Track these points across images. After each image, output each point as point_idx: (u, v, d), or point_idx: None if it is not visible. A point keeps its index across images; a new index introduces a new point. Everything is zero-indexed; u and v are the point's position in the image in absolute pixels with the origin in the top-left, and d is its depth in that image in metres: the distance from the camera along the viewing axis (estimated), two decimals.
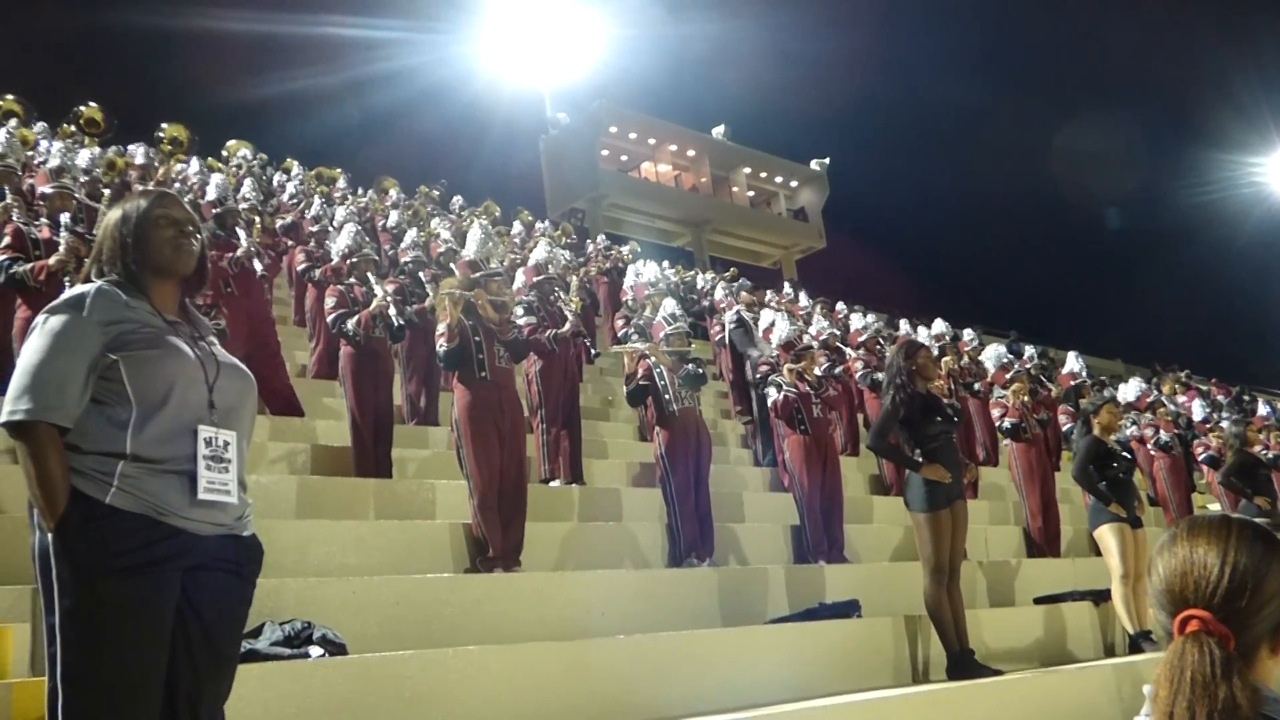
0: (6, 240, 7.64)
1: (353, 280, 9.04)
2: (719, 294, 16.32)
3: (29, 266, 7.44)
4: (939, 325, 16.56)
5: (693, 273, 22.02)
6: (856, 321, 16.33)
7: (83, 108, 18.55)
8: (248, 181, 15.26)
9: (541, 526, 7.27)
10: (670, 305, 9.69)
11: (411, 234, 13.34)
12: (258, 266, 9.62)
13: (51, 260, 7.41)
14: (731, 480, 9.99)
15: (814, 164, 41.51)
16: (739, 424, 12.66)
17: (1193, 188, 44.65)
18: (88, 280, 2.89)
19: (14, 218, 8.03)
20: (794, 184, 41.78)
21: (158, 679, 2.60)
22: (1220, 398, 21.40)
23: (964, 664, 6.38)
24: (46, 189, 8.80)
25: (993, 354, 14.14)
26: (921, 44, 68.22)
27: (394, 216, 16.30)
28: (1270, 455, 11.72)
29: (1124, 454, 8.42)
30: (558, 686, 4.99)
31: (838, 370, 11.79)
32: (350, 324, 8.37)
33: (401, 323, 8.57)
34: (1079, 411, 10.24)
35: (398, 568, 6.24)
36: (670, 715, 5.17)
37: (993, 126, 54.21)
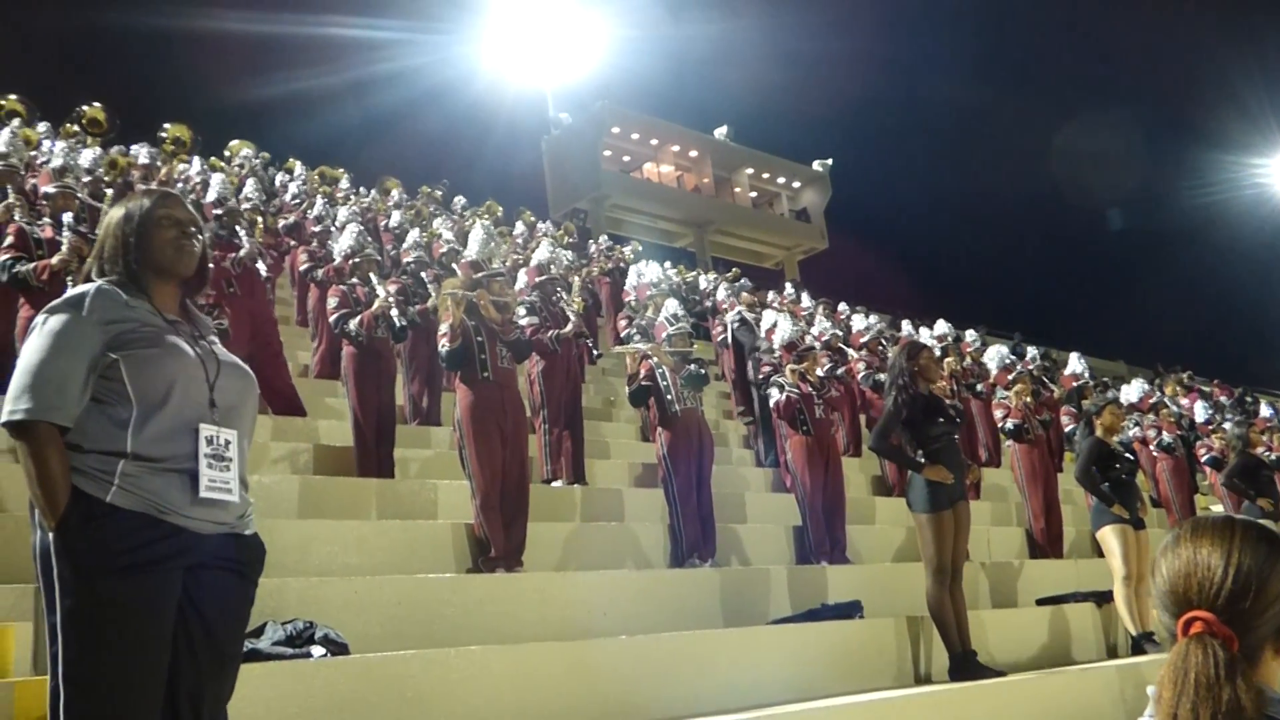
0: (9, 240, 7.65)
1: (355, 280, 9.04)
2: (721, 295, 16.32)
3: (31, 266, 7.45)
4: (941, 326, 16.57)
5: (695, 273, 22.01)
6: (859, 322, 16.33)
7: (86, 108, 18.53)
8: (250, 181, 15.27)
9: (543, 527, 7.26)
10: (672, 306, 9.69)
11: (414, 234, 13.35)
12: (262, 268, 9.63)
13: (54, 260, 7.42)
14: (733, 481, 9.99)
15: (816, 165, 41.47)
16: (741, 424, 12.66)
17: (1195, 189, 44.65)
18: (89, 279, 2.89)
19: (17, 217, 8.03)
20: (796, 185, 41.73)
21: (159, 678, 2.60)
22: (1223, 399, 21.39)
23: (966, 665, 6.37)
24: (49, 189, 8.81)
25: (995, 355, 14.15)
26: (924, 45, 68.25)
27: (396, 217, 16.31)
28: (1273, 457, 11.69)
29: (1127, 455, 8.42)
30: (560, 687, 4.99)
31: (840, 371, 11.78)
32: (353, 324, 8.36)
33: (404, 323, 8.57)
34: (1081, 413, 10.25)
35: (400, 568, 6.24)
36: (672, 716, 5.17)
37: (995, 127, 54.21)
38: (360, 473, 7.92)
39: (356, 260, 9.29)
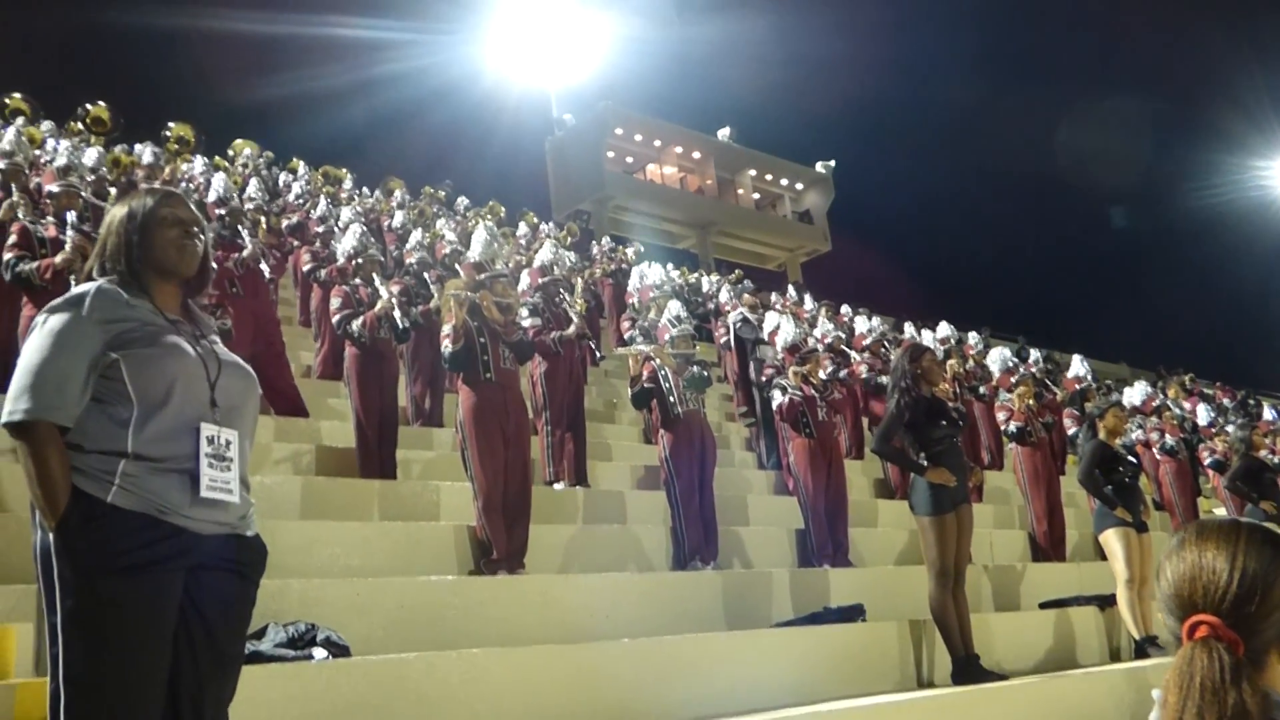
0: (13, 238, 7.65)
1: (358, 281, 9.04)
2: (724, 296, 16.32)
3: (35, 265, 7.45)
4: (944, 328, 16.57)
5: (697, 274, 22.02)
6: (861, 325, 16.33)
7: (90, 106, 18.55)
8: (253, 181, 15.28)
9: (546, 529, 7.26)
10: (675, 307, 9.68)
11: (416, 235, 13.35)
12: (265, 269, 9.63)
13: (57, 259, 7.41)
14: (736, 483, 9.99)
15: (819, 166, 41.52)
16: (743, 427, 12.65)
17: (1199, 191, 44.62)
18: (90, 277, 2.89)
19: (20, 216, 8.03)
20: (799, 186, 41.77)
21: (160, 678, 2.59)
22: (1225, 401, 21.37)
23: (969, 669, 6.36)
24: (53, 187, 8.80)
25: (998, 358, 14.14)
26: (927, 46, 68.26)
27: (399, 217, 16.32)
28: (1276, 460, 11.67)
29: (1129, 458, 8.41)
30: (561, 689, 4.98)
31: (842, 374, 11.77)
32: (355, 325, 8.36)
33: (406, 324, 8.57)
34: (1084, 415, 10.23)
35: (402, 569, 6.23)
36: (674, 718, 5.16)
37: (998, 129, 54.13)
38: (362, 474, 7.92)
39: (359, 261, 9.30)
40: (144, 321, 2.77)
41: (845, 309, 19.34)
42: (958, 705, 5.92)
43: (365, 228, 10.49)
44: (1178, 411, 15.70)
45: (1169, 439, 13.40)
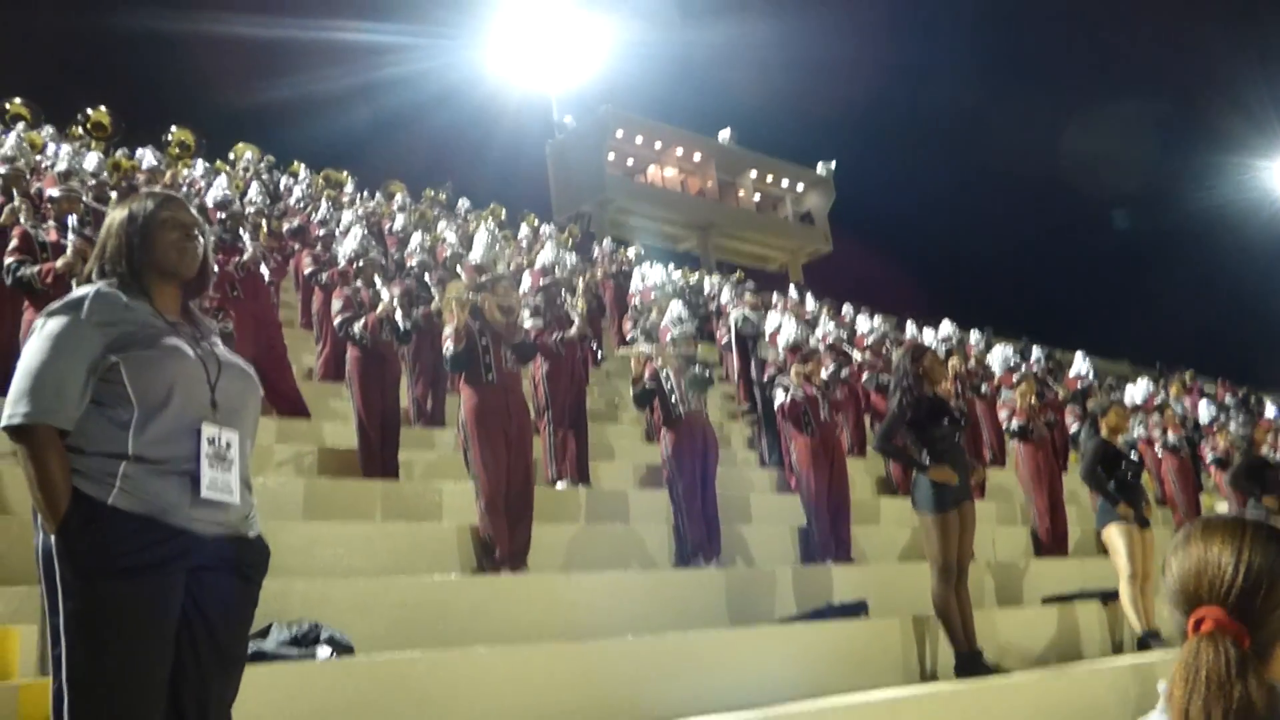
0: (14, 243, 7.65)
1: (359, 283, 9.05)
2: (725, 297, 16.32)
3: (36, 269, 7.45)
4: (946, 327, 16.56)
5: (697, 274, 22.02)
6: (863, 324, 16.33)
7: (90, 111, 18.55)
8: (254, 185, 15.29)
9: (548, 528, 7.27)
10: (677, 308, 9.70)
11: (417, 237, 13.35)
12: (265, 272, 9.63)
13: (59, 263, 7.41)
14: (738, 482, 9.99)
15: (820, 168, 41.49)
16: (745, 425, 12.65)
17: (1199, 191, 44.56)
18: (90, 280, 2.89)
19: (22, 220, 8.04)
20: (800, 187, 41.75)
21: (162, 679, 2.59)
22: (1226, 399, 21.37)
23: (972, 664, 6.37)
24: (54, 192, 8.81)
25: (999, 356, 14.14)
26: (927, 47, 68.28)
27: (400, 220, 16.31)
28: (1278, 456, 11.69)
29: (1131, 456, 8.41)
30: (565, 687, 4.98)
31: (844, 374, 11.77)
32: (357, 327, 8.37)
33: (407, 326, 8.58)
34: (1086, 413, 10.24)
35: (405, 569, 6.24)
36: (678, 716, 5.15)
37: (998, 129, 54.18)
38: (365, 475, 7.94)
39: (361, 263, 9.30)
40: (143, 324, 2.77)
41: (847, 308, 19.33)
42: (961, 700, 5.91)
43: (366, 230, 10.49)
44: (1179, 409, 15.71)
45: (1171, 436, 13.40)
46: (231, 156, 20.20)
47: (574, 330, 9.24)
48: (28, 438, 2.58)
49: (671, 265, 20.18)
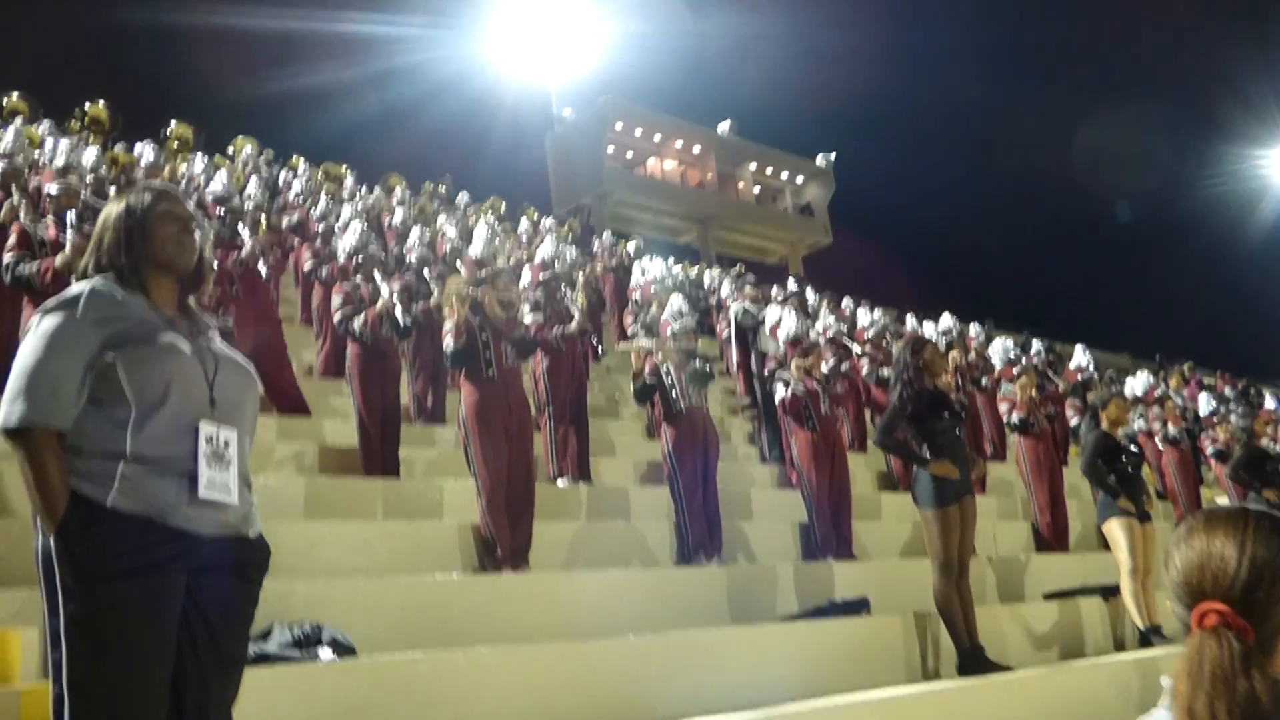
0: (12, 240, 7.62)
1: (359, 279, 9.04)
2: (725, 290, 16.31)
3: (35, 266, 7.42)
4: (946, 320, 16.55)
5: (697, 267, 22.01)
6: (863, 317, 16.31)
7: (88, 105, 18.52)
8: (253, 179, 15.25)
9: (549, 525, 7.26)
10: (677, 302, 9.69)
11: (416, 231, 13.33)
12: (263, 268, 9.61)
13: (57, 260, 7.38)
14: (739, 478, 9.98)
15: (820, 159, 41.49)
16: (745, 420, 12.64)
17: (1200, 181, 44.61)
18: (86, 273, 2.88)
19: (20, 217, 8.01)
20: (800, 179, 41.76)
21: (163, 681, 2.59)
22: (1226, 391, 21.36)
23: (974, 660, 6.36)
24: (52, 188, 8.77)
25: (999, 349, 14.13)
26: (928, 38, 68.16)
27: (400, 214, 16.29)
28: (1278, 449, 11.68)
29: (1132, 448, 8.40)
30: (567, 686, 4.98)
31: (844, 367, 11.76)
32: (357, 323, 8.36)
33: (407, 321, 8.56)
34: (1087, 406, 10.23)
35: (406, 568, 6.23)
36: (680, 714, 5.15)
37: (998, 121, 54.15)
38: (366, 472, 7.93)
39: (360, 258, 9.28)
40: (139, 320, 2.76)
41: (846, 301, 19.32)
42: (964, 697, 5.92)
43: (366, 225, 10.48)
44: (1179, 401, 15.71)
45: (1171, 428, 13.39)
46: (231, 150, 20.17)
47: (574, 325, 9.23)
48: (24, 439, 2.57)
49: (671, 259, 20.16)
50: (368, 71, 41.25)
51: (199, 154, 18.00)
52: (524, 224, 19.93)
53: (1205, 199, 44.63)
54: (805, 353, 9.57)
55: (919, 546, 8.36)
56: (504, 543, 6.65)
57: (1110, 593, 8.45)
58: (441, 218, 16.92)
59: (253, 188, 14.19)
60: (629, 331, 11.27)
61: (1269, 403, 17.33)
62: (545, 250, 11.34)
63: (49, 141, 14.67)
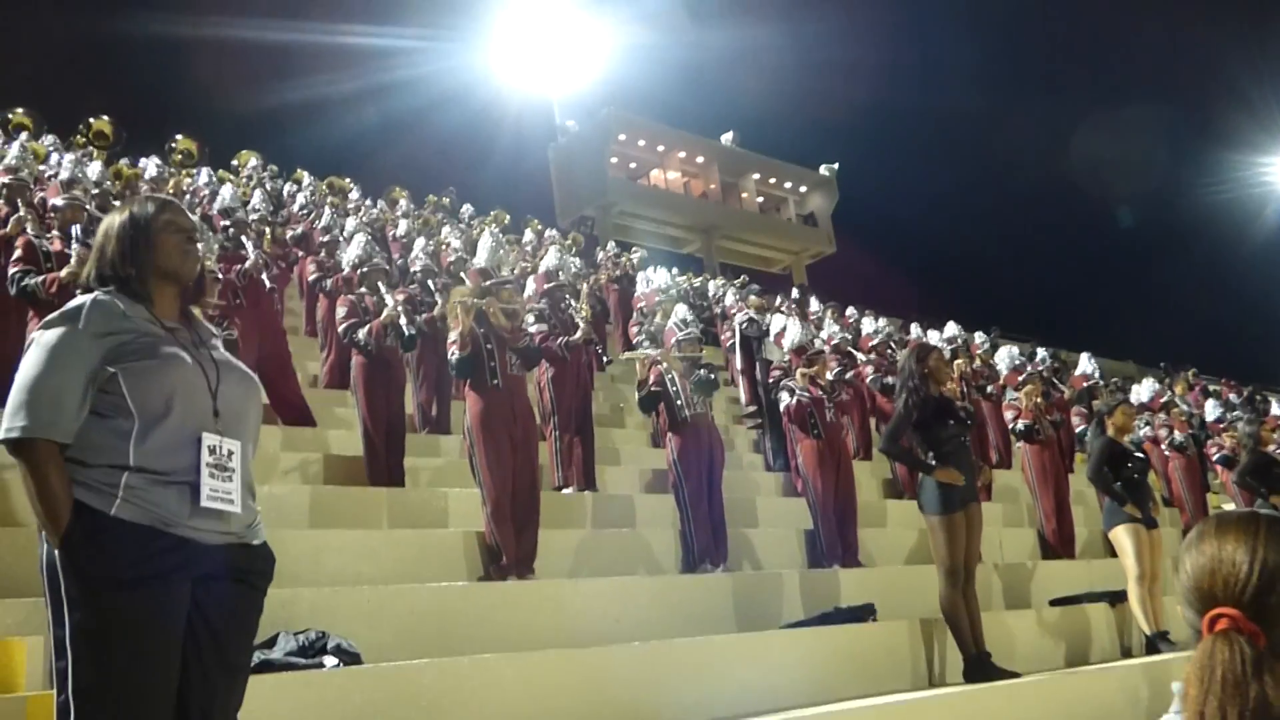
0: (18, 253, 7.64)
1: (364, 290, 9.05)
2: (729, 300, 16.31)
3: (40, 279, 7.44)
4: (951, 328, 16.54)
5: (701, 278, 22.01)
6: (868, 326, 16.30)
7: (92, 120, 18.58)
8: (257, 193, 15.28)
9: (555, 534, 7.26)
10: (682, 311, 9.68)
11: (420, 242, 13.36)
12: (266, 280, 9.62)
13: (63, 272, 7.39)
14: (744, 485, 9.98)
15: (823, 169, 41.50)
16: (749, 426, 12.63)
17: (1204, 188, 44.54)
18: (88, 284, 2.88)
19: (26, 230, 8.03)
20: (803, 189, 41.77)
21: (169, 690, 2.59)
22: (1231, 397, 21.32)
23: (980, 667, 6.35)
24: (57, 201, 8.81)
25: (1005, 356, 14.11)
26: (930, 48, 68.28)
27: (404, 225, 16.31)
28: None
29: (1138, 455, 8.39)
30: (573, 694, 4.98)
31: (849, 375, 11.75)
32: (361, 333, 8.37)
33: (412, 332, 8.57)
34: (1092, 413, 10.21)
35: (411, 576, 6.23)
36: None
37: (1002, 129, 54.10)
38: (371, 482, 7.92)
39: (365, 270, 9.30)
40: (141, 332, 2.76)
41: (851, 310, 19.31)
42: (970, 704, 5.91)
43: (370, 237, 10.48)
44: (1185, 407, 15.68)
45: (1178, 435, 13.37)
46: (235, 163, 20.23)
47: (579, 334, 9.22)
48: (26, 452, 2.57)
49: (675, 270, 20.17)
50: (371, 84, 41.26)
51: (204, 168, 18.05)
52: (528, 235, 19.94)
53: (1209, 205, 44.61)
54: (810, 361, 9.56)
55: (925, 553, 8.35)
56: (509, 551, 6.64)
57: (1117, 599, 8.43)
58: (446, 229, 16.95)
59: (256, 200, 14.23)
60: (634, 341, 11.26)
61: (1275, 408, 17.26)
62: (549, 261, 11.32)
63: (54, 156, 14.74)
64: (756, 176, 40.71)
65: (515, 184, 38.60)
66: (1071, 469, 11.99)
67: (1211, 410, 16.06)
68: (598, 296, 15.19)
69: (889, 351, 13.84)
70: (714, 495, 8.01)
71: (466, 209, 21.28)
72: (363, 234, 10.60)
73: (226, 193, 12.33)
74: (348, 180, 21.07)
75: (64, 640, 2.54)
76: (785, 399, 9.26)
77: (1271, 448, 11.20)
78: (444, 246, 14.54)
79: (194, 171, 17.63)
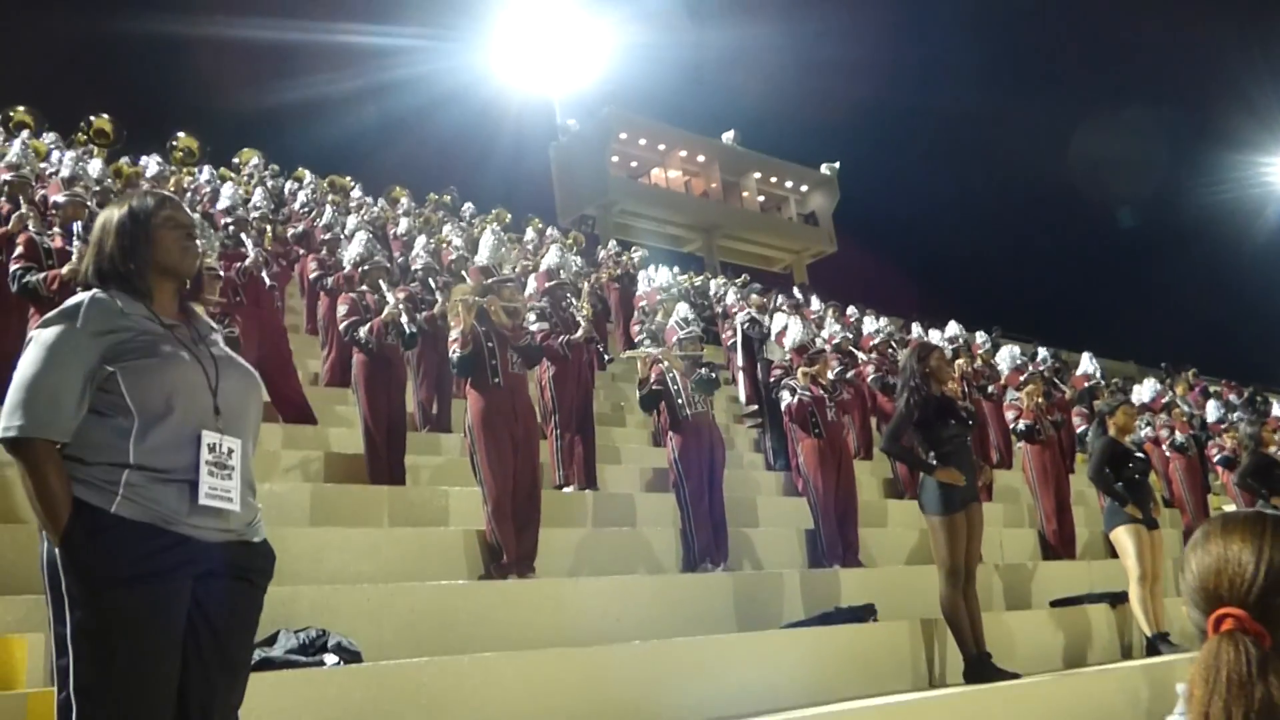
0: (20, 250, 7.63)
1: (365, 288, 9.05)
2: (730, 299, 16.30)
3: (42, 276, 7.43)
4: (952, 328, 16.53)
5: (703, 277, 22.00)
6: (869, 325, 16.29)
7: (93, 118, 18.58)
8: (258, 191, 15.28)
9: (555, 532, 7.26)
10: (683, 310, 9.68)
11: (421, 241, 13.35)
12: (266, 278, 9.62)
13: (64, 270, 7.39)
14: (745, 485, 9.98)
15: (824, 168, 41.48)
16: (750, 425, 12.62)
17: (1205, 188, 44.50)
18: (86, 280, 2.87)
19: (28, 227, 8.03)
20: (804, 188, 41.75)
21: (169, 688, 2.59)
22: (1232, 398, 21.31)
23: (981, 667, 6.35)
24: (59, 198, 8.81)
25: (1006, 356, 14.10)
26: (931, 48, 68.20)
27: (405, 224, 16.31)
28: None
29: (1139, 455, 8.38)
30: (573, 692, 4.98)
31: (850, 374, 11.75)
32: (363, 331, 8.37)
33: (413, 330, 8.57)
34: (1094, 413, 10.21)
35: (412, 575, 6.22)
36: None
37: (1003, 129, 54.03)
38: (371, 480, 7.92)
39: (366, 268, 9.30)
40: (139, 330, 2.75)
41: (852, 310, 19.30)
42: (970, 704, 5.90)
43: (371, 235, 10.48)
44: (1186, 408, 15.67)
45: (1179, 435, 13.36)
46: (236, 161, 20.23)
47: (580, 333, 9.22)
48: (23, 451, 2.57)
49: (676, 268, 20.17)
50: (372, 83, 41.21)
51: (205, 166, 18.05)
52: (529, 234, 19.93)
53: (1210, 206, 44.56)
54: (811, 360, 9.56)
55: (925, 553, 8.35)
56: (510, 549, 6.64)
57: (1118, 600, 8.43)
58: (447, 228, 16.94)
59: (258, 198, 14.23)
60: (635, 340, 11.26)
61: (1276, 410, 17.25)
62: (550, 259, 11.32)
63: (55, 153, 14.73)
64: (757, 176, 40.70)
65: (516, 183, 38.59)
66: (1072, 469, 11.98)
67: (1212, 411, 16.06)
68: (599, 295, 15.19)
69: (890, 351, 13.83)
70: (715, 494, 8.01)
71: (468, 207, 21.28)
72: (364, 232, 10.60)
73: (227, 191, 12.33)
74: (349, 179, 21.06)
75: (65, 638, 2.54)
76: (786, 398, 9.26)
77: (1272, 449, 11.18)
78: (445, 245, 14.55)
79: (195, 169, 17.64)
